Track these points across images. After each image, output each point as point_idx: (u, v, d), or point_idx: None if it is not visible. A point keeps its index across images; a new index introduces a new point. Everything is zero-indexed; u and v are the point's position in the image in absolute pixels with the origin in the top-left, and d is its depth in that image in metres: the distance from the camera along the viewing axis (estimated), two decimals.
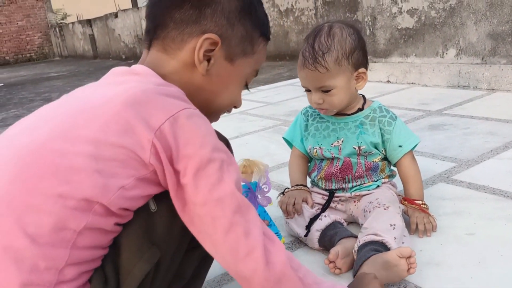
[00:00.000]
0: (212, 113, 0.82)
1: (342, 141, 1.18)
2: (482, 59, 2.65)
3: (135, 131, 0.63)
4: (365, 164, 1.18)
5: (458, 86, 2.78)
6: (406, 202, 1.16)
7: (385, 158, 1.21)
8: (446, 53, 2.83)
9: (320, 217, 1.13)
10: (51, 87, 6.57)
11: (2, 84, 8.77)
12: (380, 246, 0.98)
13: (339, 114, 1.20)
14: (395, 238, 1.01)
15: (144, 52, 0.81)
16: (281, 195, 1.26)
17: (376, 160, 1.19)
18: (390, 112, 1.19)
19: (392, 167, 1.24)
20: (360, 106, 1.20)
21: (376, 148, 1.18)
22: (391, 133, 1.16)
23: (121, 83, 0.71)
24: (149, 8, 0.79)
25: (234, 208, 0.66)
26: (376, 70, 3.30)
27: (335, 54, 1.08)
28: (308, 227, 1.12)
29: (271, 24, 6.65)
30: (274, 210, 1.28)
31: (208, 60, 0.76)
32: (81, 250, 0.63)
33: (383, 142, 1.17)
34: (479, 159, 1.58)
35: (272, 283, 0.66)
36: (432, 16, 2.85)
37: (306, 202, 1.18)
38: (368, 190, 1.18)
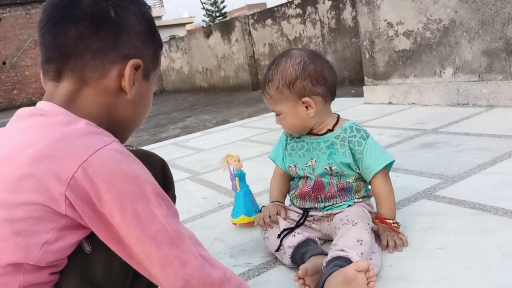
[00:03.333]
0: (134, 128, 0.85)
1: (315, 161, 1.21)
2: (479, 76, 2.65)
3: (47, 186, 0.62)
4: (337, 184, 1.20)
5: (458, 104, 2.78)
6: (377, 221, 1.17)
7: (360, 178, 1.23)
8: (444, 72, 2.85)
9: (293, 233, 1.16)
10: None
11: None
12: (345, 262, 0.99)
13: (311, 134, 1.23)
14: (362, 254, 1.02)
15: (49, 84, 0.75)
16: (258, 213, 1.30)
17: (350, 180, 1.21)
18: (362, 131, 1.20)
19: (368, 187, 1.26)
20: (330, 126, 1.22)
21: (350, 167, 1.19)
22: (362, 153, 1.17)
23: (24, 131, 0.68)
24: (50, 34, 0.73)
25: (168, 241, 0.67)
26: (378, 92, 3.33)
27: (276, 83, 1.16)
28: (279, 236, 1.15)
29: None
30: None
31: (133, 85, 0.77)
32: None
33: (355, 161, 1.19)
34: (465, 174, 1.58)
35: None
36: (427, 36, 2.89)
37: (280, 215, 1.22)
38: (340, 209, 1.20)
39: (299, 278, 1.02)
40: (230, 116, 4.70)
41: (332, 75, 1.19)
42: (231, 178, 1.48)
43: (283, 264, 1.17)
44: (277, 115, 1.22)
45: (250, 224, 1.44)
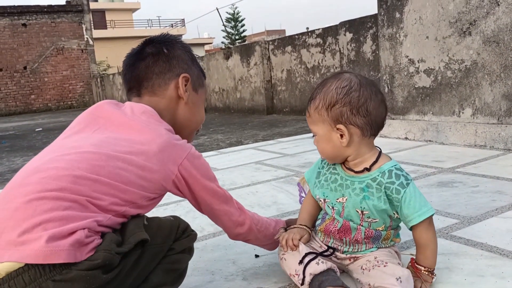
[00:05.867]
0: (191, 131, 1.25)
1: (346, 199, 1.14)
2: (498, 119, 2.65)
3: (166, 165, 1.00)
4: (365, 231, 1.13)
5: (475, 146, 2.78)
6: (409, 264, 1.14)
7: (391, 227, 1.15)
8: (463, 113, 2.86)
9: (317, 261, 1.12)
10: None
11: (41, 129, 9.23)
12: None
13: (347, 168, 1.16)
14: None
15: (134, 99, 1.17)
16: (283, 230, 1.27)
17: (380, 228, 1.14)
18: (401, 178, 1.09)
19: (398, 233, 1.21)
20: (368, 165, 1.12)
21: (385, 213, 1.12)
22: (400, 201, 1.08)
23: (149, 124, 1.05)
24: (129, 73, 1.17)
25: (223, 201, 1.13)
26: (395, 126, 3.33)
27: (317, 102, 1.12)
28: (301, 262, 1.12)
29: (298, 79, 6.86)
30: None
31: (186, 92, 1.17)
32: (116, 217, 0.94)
33: (393, 206, 1.10)
34: (482, 217, 1.57)
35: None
36: (448, 76, 2.91)
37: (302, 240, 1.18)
38: (364, 253, 1.16)
39: None
40: (244, 137, 4.72)
41: (379, 109, 1.11)
42: (300, 197, 1.49)
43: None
44: (314, 135, 1.18)
45: None
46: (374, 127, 1.11)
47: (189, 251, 1.07)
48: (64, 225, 0.83)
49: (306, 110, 1.17)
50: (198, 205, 1.11)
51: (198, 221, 1.83)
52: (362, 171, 1.13)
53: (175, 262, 1.03)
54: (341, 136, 1.10)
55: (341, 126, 1.09)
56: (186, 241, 1.05)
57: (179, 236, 1.04)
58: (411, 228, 1.12)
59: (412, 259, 1.14)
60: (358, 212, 1.12)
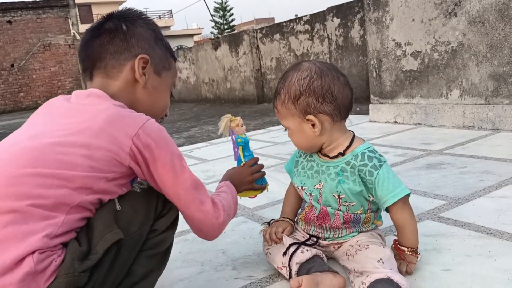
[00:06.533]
0: (152, 116, 1.01)
1: (322, 185, 1.14)
2: (486, 99, 2.66)
3: (118, 140, 0.87)
4: (343, 216, 1.13)
5: (463, 127, 2.79)
6: (393, 246, 1.14)
7: (370, 209, 1.15)
8: (450, 94, 2.86)
9: (301, 249, 1.13)
10: None
11: None
12: (388, 283, 0.97)
13: (322, 154, 1.16)
14: (391, 269, 1.01)
15: (88, 83, 1.03)
16: (266, 225, 1.28)
17: (358, 212, 1.14)
18: (374, 160, 1.09)
19: (380, 215, 1.21)
20: (342, 149, 1.13)
21: (361, 195, 1.11)
22: (373, 183, 1.08)
23: (92, 104, 0.93)
24: (83, 52, 1.03)
25: (193, 186, 0.96)
26: (383, 111, 3.34)
27: (282, 97, 1.11)
28: (285, 253, 1.12)
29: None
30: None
31: (144, 75, 1.02)
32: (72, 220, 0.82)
33: (368, 189, 1.11)
34: (470, 197, 1.58)
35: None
36: (435, 58, 2.91)
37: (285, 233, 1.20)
38: (345, 239, 1.16)
39: None
40: None
41: (344, 92, 1.10)
42: (233, 147, 1.31)
43: (286, 279, 1.17)
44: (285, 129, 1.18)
45: (254, 197, 1.35)
46: (342, 111, 1.11)
47: (173, 225, 0.99)
48: (5, 253, 0.70)
49: (273, 106, 1.16)
50: (160, 188, 0.94)
51: None
52: (336, 156, 1.13)
53: (158, 245, 0.95)
54: (313, 126, 1.10)
55: (310, 117, 1.09)
56: (169, 216, 0.96)
57: (160, 212, 0.95)
58: (387, 210, 1.12)
59: (394, 240, 1.14)
60: (335, 196, 1.12)
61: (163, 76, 1.07)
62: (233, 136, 1.29)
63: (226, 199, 1.08)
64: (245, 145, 1.30)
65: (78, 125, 0.87)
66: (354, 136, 1.16)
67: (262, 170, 1.33)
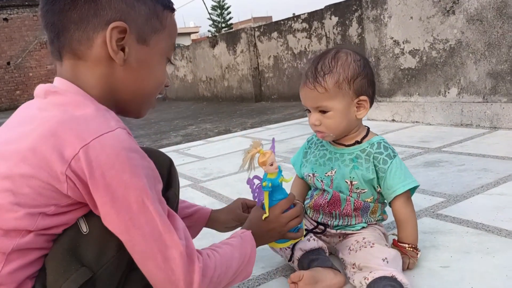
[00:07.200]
0: (145, 101, 0.82)
1: (335, 172, 1.15)
2: (483, 97, 2.66)
3: (50, 164, 0.64)
4: (354, 202, 1.14)
5: (461, 125, 2.79)
6: (392, 245, 1.14)
7: (379, 200, 1.17)
8: (448, 92, 2.86)
9: (308, 237, 1.13)
10: None
11: None
12: (392, 281, 0.96)
13: (337, 143, 1.17)
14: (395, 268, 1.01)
15: (57, 65, 0.77)
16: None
17: (368, 200, 1.15)
18: (389, 150, 1.12)
19: (385, 210, 1.21)
20: (359, 138, 1.15)
21: (371, 184, 1.13)
22: (386, 171, 1.10)
23: (42, 109, 0.71)
24: (43, 17, 0.75)
25: (155, 235, 0.68)
26: (382, 109, 3.33)
27: (337, 76, 1.07)
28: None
29: (285, 66, 6.82)
30: None
31: (123, 50, 0.74)
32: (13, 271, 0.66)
33: (378, 179, 1.12)
34: (468, 194, 1.58)
35: None
36: (433, 56, 2.90)
37: None
38: (353, 230, 1.16)
39: (292, 282, 1.01)
40: (232, 126, 4.70)
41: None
42: (252, 188, 0.98)
43: (284, 276, 1.16)
44: (321, 111, 1.09)
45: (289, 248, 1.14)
46: (374, 98, 1.15)
47: None
48: None
49: (316, 85, 1.07)
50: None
51: None
52: (353, 144, 1.15)
53: None
54: (358, 108, 1.10)
55: (364, 97, 1.09)
56: None
57: None
58: (390, 204, 1.14)
59: (394, 240, 1.14)
60: (347, 182, 1.14)
61: (152, 42, 0.77)
62: (254, 180, 0.97)
63: (224, 257, 0.80)
64: (276, 190, 0.97)
65: (7, 146, 0.68)
66: (368, 129, 1.20)
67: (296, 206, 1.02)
